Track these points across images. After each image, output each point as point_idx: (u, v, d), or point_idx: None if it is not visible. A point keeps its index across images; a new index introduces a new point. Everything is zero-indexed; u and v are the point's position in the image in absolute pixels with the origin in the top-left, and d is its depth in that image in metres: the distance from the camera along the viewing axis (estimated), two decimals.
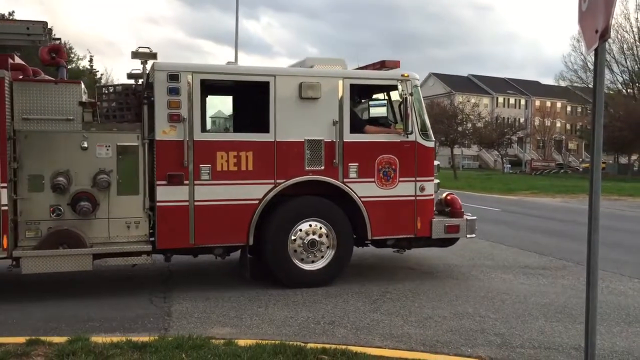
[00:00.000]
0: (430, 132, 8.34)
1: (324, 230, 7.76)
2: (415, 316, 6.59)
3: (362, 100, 8.91)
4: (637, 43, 48.23)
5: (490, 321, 6.45)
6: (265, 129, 7.49)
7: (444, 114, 42.85)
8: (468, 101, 58.89)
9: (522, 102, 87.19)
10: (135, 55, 7.06)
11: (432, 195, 8.20)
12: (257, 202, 7.44)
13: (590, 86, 33.56)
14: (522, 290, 7.90)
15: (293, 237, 7.66)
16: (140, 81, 7.42)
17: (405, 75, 7.95)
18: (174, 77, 7.11)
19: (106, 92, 7.54)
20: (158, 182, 7.13)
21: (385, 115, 8.58)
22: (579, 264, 9.51)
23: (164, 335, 5.55)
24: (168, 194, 7.15)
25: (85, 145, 6.95)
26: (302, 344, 5.21)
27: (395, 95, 8.32)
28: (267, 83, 7.46)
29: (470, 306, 7.05)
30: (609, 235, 12.00)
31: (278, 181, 7.52)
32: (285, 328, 6.09)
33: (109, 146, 7.05)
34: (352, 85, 7.78)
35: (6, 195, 6.58)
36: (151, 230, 7.31)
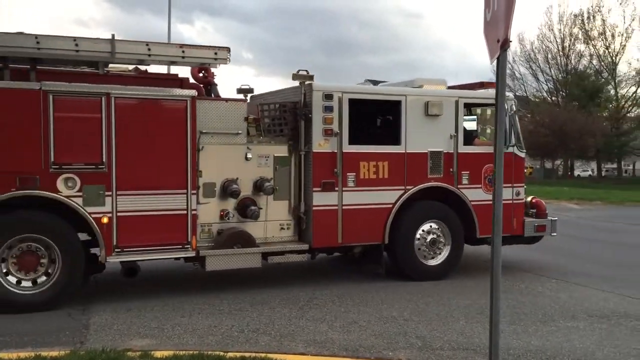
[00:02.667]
0: (523, 144, 9.54)
1: (442, 230, 8.83)
2: (341, 321, 6.62)
3: (470, 116, 9.89)
4: (561, 53, 50.48)
5: (413, 324, 6.56)
6: (397, 142, 8.56)
7: None
8: None
9: None
10: (296, 77, 8.12)
11: (523, 199, 9.40)
12: (390, 205, 8.47)
13: (518, 93, 35.00)
14: (446, 292, 8.07)
15: (417, 237, 8.68)
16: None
17: (512, 99, 9.53)
18: (328, 96, 8.13)
19: (267, 109, 8.31)
20: (314, 189, 8.09)
21: (487, 129, 9.85)
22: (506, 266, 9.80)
23: (77, 349, 5.34)
24: (322, 199, 8.14)
25: (250, 156, 7.90)
26: (222, 353, 5.14)
27: (486, 112, 9.74)
28: (399, 102, 8.54)
29: (395, 310, 7.14)
30: None
31: (407, 187, 8.58)
32: (208, 337, 5.98)
33: (268, 157, 8.03)
34: (465, 104, 9.06)
35: (195, 201, 7.48)
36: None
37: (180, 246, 7.45)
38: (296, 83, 8.22)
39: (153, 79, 7.69)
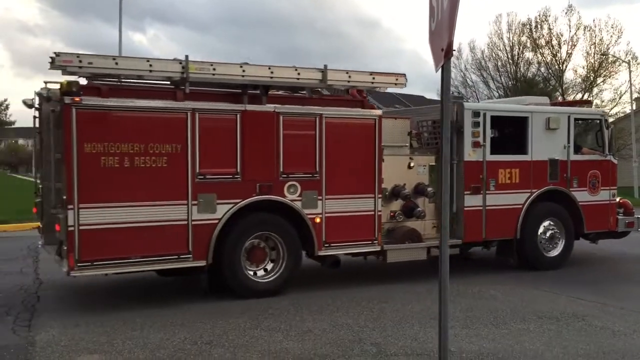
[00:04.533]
0: (615, 151, 11.41)
1: (557, 226, 10.36)
2: (296, 330, 6.59)
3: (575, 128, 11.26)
4: (510, 61, 51.75)
5: (368, 331, 6.58)
6: (525, 152, 10.05)
7: None
8: None
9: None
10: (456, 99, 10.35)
11: (616, 200, 11.08)
12: (520, 206, 9.93)
13: (470, 101, 35.42)
14: (400, 298, 8.13)
15: (540, 232, 10.20)
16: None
17: (606, 112, 11.80)
18: (476, 114, 9.60)
19: (425, 124, 10.07)
20: (465, 192, 9.52)
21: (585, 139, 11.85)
22: (461, 272, 9.94)
23: None
24: (471, 201, 9.56)
25: (412, 164, 9.37)
26: None
27: (594, 125, 11.33)
28: (527, 118, 10.06)
29: (350, 317, 7.15)
30: None
31: (533, 190, 10.05)
32: (160, 351, 5.86)
33: (425, 166, 9.52)
34: (575, 119, 10.59)
35: (380, 203, 8.77)
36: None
37: (370, 242, 8.73)
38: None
39: (344, 100, 9.01)
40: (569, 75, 50.47)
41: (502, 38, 51.73)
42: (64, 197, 6.97)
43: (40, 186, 8.68)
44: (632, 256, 11.88)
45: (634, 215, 11.24)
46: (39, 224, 8.84)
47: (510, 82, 51.89)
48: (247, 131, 7.91)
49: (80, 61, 7.13)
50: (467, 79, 51.50)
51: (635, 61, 47.43)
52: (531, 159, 10.07)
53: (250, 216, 8.01)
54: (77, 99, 6.93)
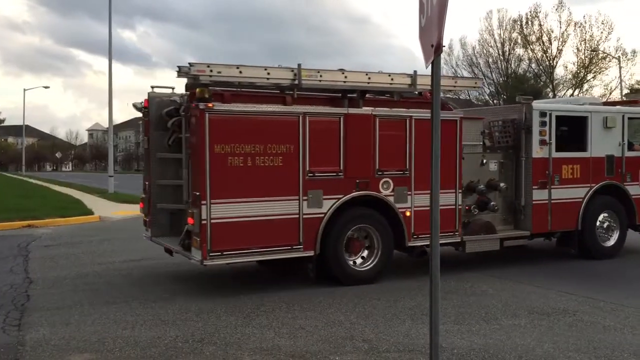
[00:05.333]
0: None
1: (612, 218, 11.10)
2: (288, 327, 6.58)
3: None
4: (501, 57, 51.98)
5: (360, 327, 6.58)
6: (585, 149, 10.73)
7: None
8: None
9: None
10: (520, 98, 10.58)
11: None
12: (581, 199, 10.65)
13: (462, 97, 35.54)
14: (392, 294, 8.14)
15: (597, 224, 10.88)
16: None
17: None
18: (543, 114, 10.27)
19: (496, 124, 10.44)
20: (533, 187, 10.20)
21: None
22: (454, 268, 9.97)
23: None
24: (538, 195, 10.25)
25: (485, 161, 10.12)
26: None
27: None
28: (587, 117, 10.72)
29: (342, 313, 7.15)
30: None
31: (592, 185, 10.76)
32: (151, 349, 5.83)
33: (496, 162, 10.28)
34: (629, 118, 11.22)
35: (460, 198, 9.44)
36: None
37: (452, 233, 9.37)
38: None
39: (426, 102, 9.48)
40: (559, 72, 50.81)
41: (492, 34, 51.99)
42: (197, 194, 7.70)
43: (146, 183, 9.36)
44: (625, 251, 11.94)
45: None
46: (144, 217, 9.58)
47: (501, 79, 52.12)
48: (349, 132, 8.61)
49: (210, 70, 7.93)
50: (458, 75, 51.60)
51: (625, 57, 47.74)
52: (590, 156, 10.81)
53: (350, 210, 8.72)
54: (210, 104, 7.68)
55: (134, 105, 9.28)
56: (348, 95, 9.05)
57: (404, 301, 7.74)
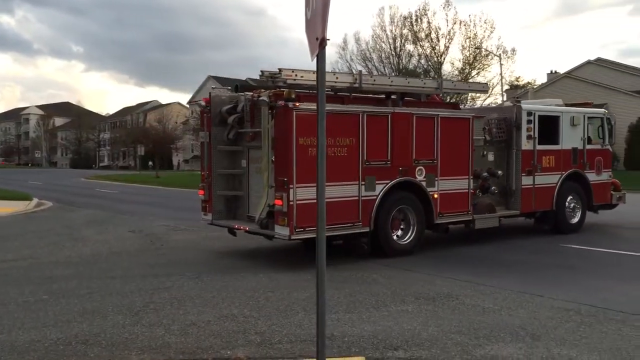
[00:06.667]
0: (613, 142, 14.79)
1: (576, 200, 13.49)
2: (178, 324, 6.42)
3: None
4: (393, 52, 53.61)
5: (253, 320, 6.55)
6: (557, 143, 13.09)
7: None
8: None
9: None
10: (511, 100, 12.67)
11: (611, 179, 14.56)
12: (554, 185, 12.95)
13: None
14: (286, 286, 8.18)
15: (566, 204, 13.25)
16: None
17: (607, 112, 14.91)
18: (529, 113, 12.49)
19: (494, 122, 12.42)
20: (522, 174, 12.38)
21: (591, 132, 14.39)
22: (347, 258, 10.17)
23: None
24: (526, 181, 12.44)
25: (485, 153, 12.24)
26: None
27: (596, 122, 14.36)
28: (559, 117, 13.15)
29: (235, 307, 7.09)
30: None
31: (562, 172, 13.09)
32: (30, 354, 5.48)
33: (493, 153, 12.39)
34: (589, 118, 13.83)
35: (472, 183, 11.41)
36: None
37: (466, 212, 11.33)
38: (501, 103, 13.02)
39: (444, 103, 12.60)
40: (446, 68, 53.06)
41: (385, 30, 53.41)
42: (285, 179, 9.05)
43: (207, 172, 10.64)
44: (505, 237, 12.73)
45: (621, 191, 14.77)
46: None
47: (393, 74, 53.68)
48: (394, 127, 10.29)
49: (295, 75, 9.39)
50: (353, 69, 52.62)
51: (506, 55, 50.81)
52: (561, 148, 13.12)
53: (395, 193, 10.39)
54: (297, 104, 9.04)
55: (198, 104, 10.45)
56: (391, 96, 10.86)
57: (297, 293, 7.80)
